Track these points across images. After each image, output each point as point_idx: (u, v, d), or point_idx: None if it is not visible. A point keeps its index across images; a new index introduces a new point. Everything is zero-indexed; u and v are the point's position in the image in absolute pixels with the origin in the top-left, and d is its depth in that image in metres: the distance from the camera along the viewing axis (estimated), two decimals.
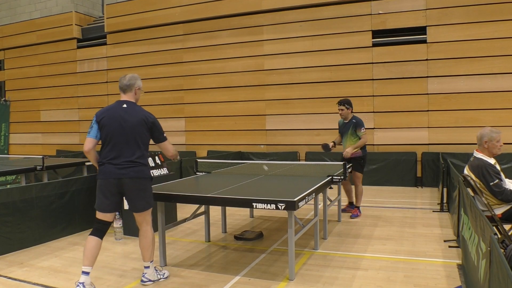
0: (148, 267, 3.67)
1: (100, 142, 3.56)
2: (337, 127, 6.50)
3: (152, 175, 5.48)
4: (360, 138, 6.02)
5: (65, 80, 13.36)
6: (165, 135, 3.72)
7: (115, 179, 3.42)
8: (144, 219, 3.62)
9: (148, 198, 3.60)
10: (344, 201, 6.68)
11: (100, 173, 3.49)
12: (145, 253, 3.63)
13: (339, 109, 6.16)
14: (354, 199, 6.38)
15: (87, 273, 3.37)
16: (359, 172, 6.14)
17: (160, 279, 3.75)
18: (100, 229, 3.49)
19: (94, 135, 3.49)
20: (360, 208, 6.29)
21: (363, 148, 6.12)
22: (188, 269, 4.03)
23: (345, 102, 6.12)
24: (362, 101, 9.54)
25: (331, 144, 6.18)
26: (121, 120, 3.45)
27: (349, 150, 5.98)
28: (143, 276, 3.67)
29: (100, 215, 3.51)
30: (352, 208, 6.33)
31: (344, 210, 6.36)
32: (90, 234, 3.46)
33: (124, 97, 3.61)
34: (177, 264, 4.20)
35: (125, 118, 3.46)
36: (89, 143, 3.48)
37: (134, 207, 3.57)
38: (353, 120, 6.10)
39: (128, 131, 3.45)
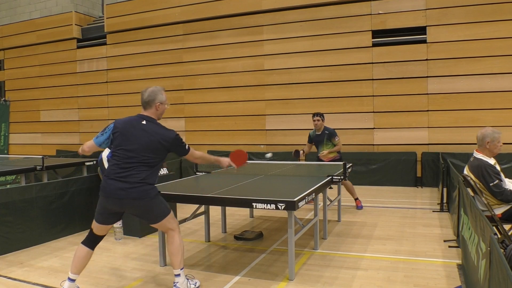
0: (179, 275, 3.36)
1: (100, 149, 3.47)
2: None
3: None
4: (334, 145, 6.58)
5: (65, 80, 13.36)
6: (187, 147, 3.43)
7: (116, 199, 3.20)
8: (164, 227, 3.40)
9: (159, 210, 3.33)
10: (346, 201, 6.70)
11: (101, 188, 3.25)
12: (174, 259, 3.36)
13: (315, 119, 6.62)
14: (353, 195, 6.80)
15: (72, 280, 3.25)
16: None
17: None
18: (93, 241, 3.33)
19: (100, 142, 3.33)
20: (360, 208, 6.63)
21: (338, 151, 6.72)
22: (188, 269, 4.03)
23: (321, 114, 6.67)
24: (362, 101, 9.54)
25: (301, 152, 6.62)
26: (136, 138, 3.24)
27: (325, 152, 6.53)
28: (174, 285, 3.36)
29: (95, 228, 3.33)
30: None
31: (360, 208, 6.69)
32: (82, 242, 3.32)
33: (145, 112, 3.39)
34: None
35: (141, 137, 3.24)
36: (90, 147, 3.36)
37: (147, 222, 3.41)
38: (326, 132, 6.59)
39: (140, 150, 3.22)
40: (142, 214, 3.34)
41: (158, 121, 3.40)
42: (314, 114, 6.66)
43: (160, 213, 3.33)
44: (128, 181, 3.17)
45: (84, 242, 3.31)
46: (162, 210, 3.35)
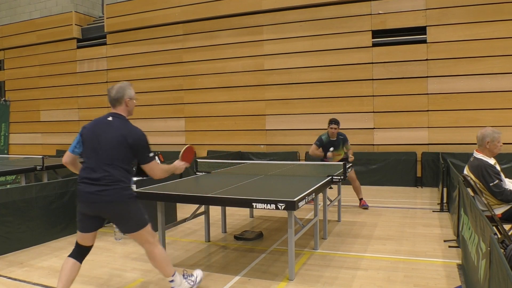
0: (172, 280, 3.24)
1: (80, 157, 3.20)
2: None
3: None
4: (347, 149, 6.76)
5: (65, 80, 13.36)
6: (151, 155, 3.13)
7: (90, 203, 2.98)
8: (141, 238, 3.12)
9: (137, 217, 3.07)
10: (346, 201, 6.69)
11: (77, 194, 3.06)
12: (162, 271, 3.21)
13: (332, 127, 6.61)
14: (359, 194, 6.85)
15: None
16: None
17: (193, 286, 3.40)
18: (80, 253, 3.12)
19: (72, 149, 3.13)
20: (365, 206, 6.77)
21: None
22: (188, 269, 4.03)
23: (338, 122, 6.67)
24: (362, 101, 9.54)
25: (329, 153, 6.60)
26: (99, 136, 3.02)
27: (339, 158, 6.71)
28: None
29: (79, 238, 3.11)
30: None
31: (366, 207, 6.73)
32: (69, 256, 3.11)
33: (114, 110, 3.17)
34: (177, 264, 4.19)
35: (104, 134, 3.02)
36: (66, 157, 3.16)
37: (123, 229, 3.20)
38: (341, 137, 6.69)
39: (107, 148, 2.98)
40: (119, 220, 3.10)
41: (127, 118, 3.18)
42: (331, 122, 6.61)
43: (139, 221, 3.07)
44: (100, 183, 2.95)
45: (71, 255, 3.10)
46: (141, 219, 3.09)
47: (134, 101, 3.22)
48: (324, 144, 6.71)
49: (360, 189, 6.80)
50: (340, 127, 6.75)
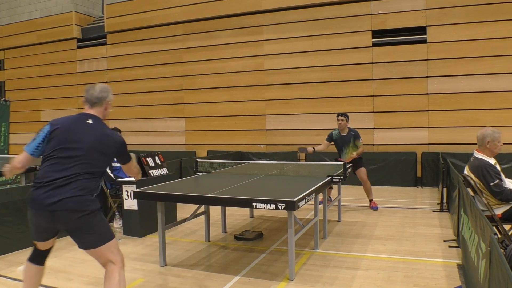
0: None
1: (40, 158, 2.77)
2: (336, 127, 6.69)
3: (152, 175, 5.50)
4: (358, 147, 6.54)
5: (65, 80, 13.37)
6: (129, 154, 3.00)
7: (47, 211, 2.53)
8: (103, 256, 2.66)
9: (100, 231, 2.65)
10: (346, 201, 6.69)
11: (30, 200, 2.60)
12: None
13: (339, 119, 6.52)
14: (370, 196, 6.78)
15: None
16: (365, 167, 6.69)
17: None
18: (40, 256, 2.80)
19: (32, 149, 2.71)
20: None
21: None
22: (188, 269, 4.03)
23: (345, 114, 6.59)
24: (362, 101, 9.54)
25: (310, 150, 6.33)
26: (81, 137, 2.68)
27: (349, 156, 6.50)
28: None
29: (37, 244, 2.78)
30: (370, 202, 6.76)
31: (375, 208, 6.65)
32: (28, 260, 2.79)
33: (90, 111, 2.86)
34: (177, 264, 4.20)
35: (88, 136, 2.70)
36: (22, 161, 2.75)
37: (84, 245, 2.66)
38: (352, 133, 6.55)
39: (84, 151, 2.65)
40: (79, 233, 2.62)
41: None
42: (339, 114, 6.56)
43: (101, 236, 2.64)
44: (65, 190, 2.54)
45: (31, 260, 2.79)
46: (104, 233, 2.67)
47: (111, 106, 3.04)
48: (334, 139, 6.63)
49: (370, 191, 6.71)
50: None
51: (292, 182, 4.60)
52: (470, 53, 8.68)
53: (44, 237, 2.74)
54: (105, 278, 2.67)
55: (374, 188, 8.66)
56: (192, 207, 4.85)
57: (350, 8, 9.62)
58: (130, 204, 5.26)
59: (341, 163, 5.42)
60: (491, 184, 3.77)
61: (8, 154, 13.67)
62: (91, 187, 2.65)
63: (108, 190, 5.76)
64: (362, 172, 6.58)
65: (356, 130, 6.65)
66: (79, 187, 2.58)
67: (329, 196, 6.53)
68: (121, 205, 5.46)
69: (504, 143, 4.19)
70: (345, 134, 6.54)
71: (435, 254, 4.32)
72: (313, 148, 6.39)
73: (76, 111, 13.15)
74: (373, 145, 9.49)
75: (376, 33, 9.44)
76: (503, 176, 3.90)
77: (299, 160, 9.74)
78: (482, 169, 3.85)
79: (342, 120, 6.50)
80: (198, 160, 5.71)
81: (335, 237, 5.07)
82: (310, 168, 5.74)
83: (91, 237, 2.63)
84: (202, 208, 4.95)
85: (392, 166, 9.05)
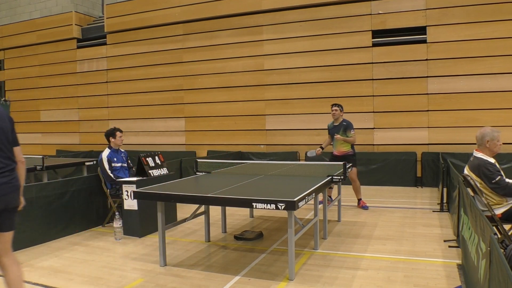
0: None
1: None
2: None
3: (152, 175, 5.52)
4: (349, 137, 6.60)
5: (65, 80, 13.36)
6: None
7: (3, 195, 2.74)
8: (10, 241, 2.90)
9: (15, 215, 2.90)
10: (346, 201, 6.69)
11: None
12: None
13: (333, 109, 6.69)
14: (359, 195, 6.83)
15: None
16: (355, 167, 6.71)
17: None
18: None
19: None
20: (365, 207, 6.72)
21: (352, 147, 6.69)
22: (188, 269, 4.03)
23: (339, 105, 6.73)
24: (362, 101, 9.54)
25: (319, 151, 6.64)
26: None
27: (339, 137, 6.49)
28: None
29: None
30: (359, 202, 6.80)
31: (366, 207, 6.69)
32: None
33: None
34: (177, 264, 4.20)
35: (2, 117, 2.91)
36: None
37: (7, 225, 2.87)
38: (344, 123, 6.63)
39: (5, 136, 2.86)
40: (10, 215, 2.84)
41: None
42: (333, 104, 6.73)
43: (15, 220, 2.90)
44: (8, 175, 2.77)
45: None
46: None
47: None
48: (329, 129, 6.83)
49: (359, 190, 6.78)
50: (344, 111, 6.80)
51: (292, 182, 4.60)
52: (470, 53, 8.68)
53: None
54: (11, 269, 2.91)
55: (374, 188, 8.73)
56: (192, 207, 4.85)
57: (350, 8, 9.62)
58: (130, 204, 5.26)
59: (341, 163, 5.40)
60: (493, 181, 3.77)
61: None
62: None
63: (108, 190, 5.77)
64: (353, 172, 6.62)
65: (351, 122, 6.67)
66: (14, 171, 2.75)
67: (329, 196, 6.55)
68: (121, 205, 5.46)
69: (503, 143, 4.19)
70: (338, 124, 6.68)
71: (435, 254, 4.33)
72: (321, 148, 6.70)
73: (76, 111, 13.23)
74: (373, 145, 9.48)
75: (376, 33, 9.44)
76: (503, 174, 3.89)
77: (299, 160, 9.74)
78: (482, 168, 3.85)
79: (336, 110, 6.65)
80: (198, 160, 5.71)
81: (335, 237, 5.07)
82: (310, 168, 5.74)
83: (14, 218, 2.81)
84: (202, 208, 4.95)
85: (392, 166, 9.05)
